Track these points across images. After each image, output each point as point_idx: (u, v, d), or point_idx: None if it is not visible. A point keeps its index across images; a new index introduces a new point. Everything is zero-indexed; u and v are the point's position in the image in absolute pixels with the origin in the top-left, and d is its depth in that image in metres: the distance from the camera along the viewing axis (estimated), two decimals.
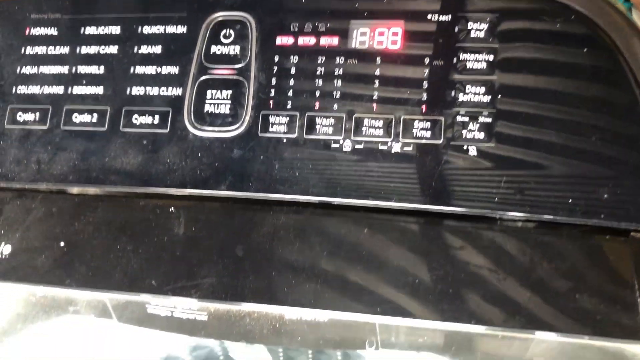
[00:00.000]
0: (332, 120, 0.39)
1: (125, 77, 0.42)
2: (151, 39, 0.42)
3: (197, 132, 0.40)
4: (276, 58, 0.40)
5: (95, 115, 0.42)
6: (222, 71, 0.41)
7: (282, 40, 0.41)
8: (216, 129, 0.40)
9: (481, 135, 0.37)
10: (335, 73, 0.39)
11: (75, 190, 0.42)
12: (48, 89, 0.43)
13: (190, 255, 0.39)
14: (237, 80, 0.41)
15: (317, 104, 0.39)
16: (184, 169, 0.40)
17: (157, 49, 0.42)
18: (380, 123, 0.38)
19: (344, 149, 0.38)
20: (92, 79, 0.43)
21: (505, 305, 0.34)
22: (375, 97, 0.39)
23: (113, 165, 0.41)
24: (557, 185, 0.35)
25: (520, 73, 0.37)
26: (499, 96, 0.37)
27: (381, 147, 0.38)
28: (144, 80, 0.42)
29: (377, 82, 0.39)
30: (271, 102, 0.40)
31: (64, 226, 0.41)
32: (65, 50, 0.44)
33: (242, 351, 0.59)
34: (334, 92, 0.39)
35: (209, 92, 0.41)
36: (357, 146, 0.38)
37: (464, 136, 0.37)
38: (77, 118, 0.42)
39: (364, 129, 0.38)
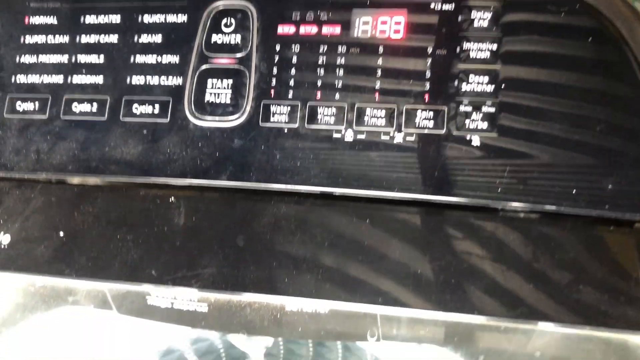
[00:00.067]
0: (333, 110, 0.38)
1: (125, 67, 0.42)
2: (151, 28, 0.42)
3: (197, 121, 0.40)
4: (277, 47, 0.40)
5: (95, 104, 0.42)
6: (223, 60, 0.41)
7: (284, 29, 0.40)
8: (217, 118, 0.40)
9: (484, 125, 0.37)
10: (337, 63, 0.39)
11: (75, 180, 0.42)
12: (48, 79, 0.43)
13: (191, 245, 0.38)
14: (238, 70, 0.40)
15: (318, 94, 0.39)
16: (184, 159, 0.40)
17: (158, 38, 0.42)
18: (383, 113, 0.38)
19: (345, 139, 0.38)
20: (92, 69, 0.43)
21: (508, 296, 0.34)
22: (377, 86, 0.38)
23: (113, 155, 0.41)
24: (561, 176, 0.35)
25: (524, 63, 0.37)
26: (503, 86, 0.37)
27: (383, 137, 0.38)
28: (144, 69, 0.42)
29: (379, 71, 0.39)
30: (272, 91, 0.40)
31: (63, 216, 0.41)
32: (65, 39, 0.44)
33: (243, 344, 0.59)
34: (336, 82, 0.39)
35: (209, 81, 0.41)
36: (359, 136, 0.38)
37: (467, 126, 0.37)
38: (76, 107, 0.42)
39: (366, 118, 0.38)
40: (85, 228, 0.40)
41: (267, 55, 0.40)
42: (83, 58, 0.43)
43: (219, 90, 0.40)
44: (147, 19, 0.42)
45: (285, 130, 0.39)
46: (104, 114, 0.41)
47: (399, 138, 0.37)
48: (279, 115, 0.39)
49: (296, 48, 0.40)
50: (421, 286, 0.35)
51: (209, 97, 0.40)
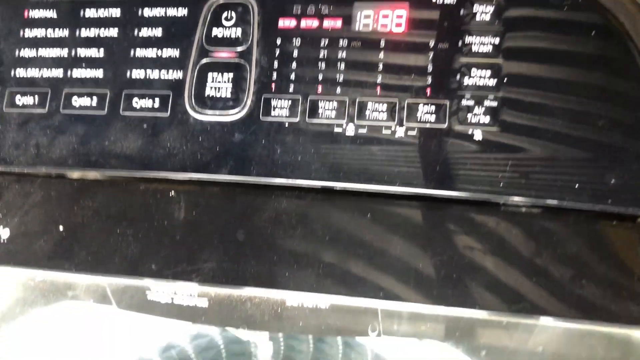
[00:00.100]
0: (335, 104, 0.38)
1: (125, 60, 0.42)
2: (151, 22, 0.42)
3: (197, 115, 0.40)
4: (278, 41, 0.40)
5: (95, 98, 0.42)
6: (224, 54, 0.40)
7: (285, 23, 0.40)
8: (217, 112, 0.40)
9: (486, 119, 0.36)
10: (339, 56, 0.39)
11: (74, 174, 0.42)
12: (47, 72, 0.43)
13: (191, 239, 0.38)
14: (238, 64, 0.40)
15: (319, 88, 0.39)
16: (184, 153, 0.39)
17: (158, 32, 0.42)
18: (384, 107, 0.37)
19: (346, 134, 0.38)
20: (91, 62, 0.42)
21: (510, 291, 0.34)
22: (379, 80, 0.38)
23: (113, 149, 0.40)
24: (564, 170, 0.35)
25: (526, 57, 0.37)
26: (505, 80, 0.37)
27: (385, 131, 0.37)
28: (144, 63, 0.41)
29: (380, 65, 0.38)
30: (273, 85, 0.39)
31: (63, 210, 0.40)
32: (64, 33, 0.43)
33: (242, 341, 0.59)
34: (337, 76, 0.39)
35: (210, 75, 0.40)
36: (360, 130, 0.38)
37: (469, 120, 0.36)
38: (76, 101, 0.42)
39: (367, 113, 0.38)
40: (85, 222, 0.40)
41: (268, 49, 0.40)
42: (83, 52, 0.43)
43: (219, 84, 0.40)
44: (147, 12, 0.42)
45: (286, 125, 0.39)
46: (104, 108, 0.41)
47: (400, 132, 0.37)
48: (280, 109, 0.39)
49: (297, 42, 0.40)
50: (422, 281, 0.35)
51: (209, 91, 0.40)
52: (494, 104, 0.36)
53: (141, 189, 0.40)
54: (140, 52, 0.42)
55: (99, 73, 0.42)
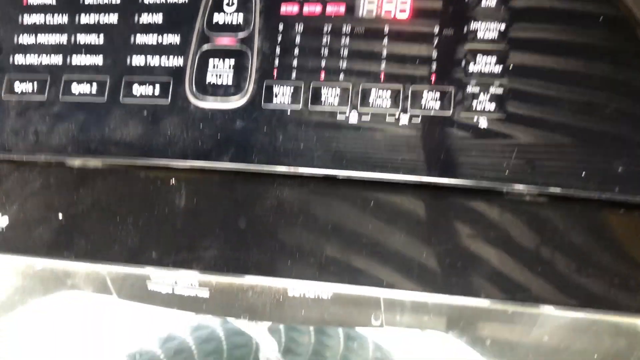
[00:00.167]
0: (338, 91, 0.38)
1: (125, 47, 0.41)
2: (152, 8, 0.41)
3: (198, 102, 0.39)
4: (280, 27, 0.39)
5: (94, 85, 0.41)
6: (225, 41, 0.40)
7: (287, 8, 0.39)
8: (218, 99, 0.39)
9: (492, 106, 0.36)
10: (342, 43, 0.38)
11: (74, 161, 0.42)
12: (46, 59, 0.42)
13: (192, 227, 0.38)
14: (239, 50, 0.39)
15: (322, 75, 0.38)
16: (185, 141, 0.39)
17: (158, 18, 0.41)
18: (388, 94, 0.37)
19: (350, 121, 0.37)
20: (91, 49, 0.42)
21: (515, 279, 0.34)
22: (382, 67, 0.37)
23: (113, 136, 0.40)
24: (570, 158, 0.34)
25: (533, 43, 0.36)
26: (511, 67, 0.36)
27: (388, 118, 0.37)
28: (145, 49, 0.41)
29: (384, 51, 0.38)
30: (275, 72, 0.39)
31: (62, 198, 0.40)
32: (64, 19, 0.43)
33: (244, 333, 0.59)
34: (340, 63, 0.38)
35: (211, 62, 0.40)
36: (363, 118, 0.37)
37: (474, 107, 0.36)
38: (76, 88, 0.41)
39: (371, 99, 0.37)
40: (85, 210, 0.40)
41: (270, 35, 0.39)
42: (82, 38, 0.42)
43: (220, 71, 0.39)
44: None
45: (288, 112, 0.38)
46: (104, 95, 0.41)
47: (404, 119, 0.37)
48: (282, 96, 0.38)
49: (299, 28, 0.39)
50: (425, 269, 0.35)
51: (210, 78, 0.40)
52: (500, 91, 0.36)
53: (141, 177, 0.40)
54: (140, 39, 0.41)
55: (98, 60, 0.41)
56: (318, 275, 0.36)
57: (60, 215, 0.40)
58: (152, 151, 0.39)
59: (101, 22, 0.42)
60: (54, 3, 0.43)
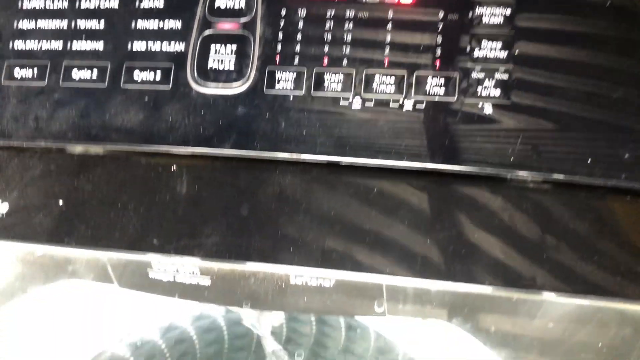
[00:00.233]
0: (341, 76, 0.37)
1: (126, 32, 0.41)
2: None
3: (200, 88, 0.39)
4: (283, 11, 0.39)
5: (95, 71, 0.41)
6: (227, 26, 0.39)
7: None
8: (220, 85, 0.39)
9: (497, 92, 0.35)
10: (345, 27, 0.38)
11: (74, 148, 0.41)
12: (46, 45, 0.42)
13: (193, 214, 0.37)
14: (242, 35, 0.39)
15: (325, 60, 0.38)
16: (186, 127, 0.38)
17: (160, 3, 0.41)
18: (392, 79, 0.36)
19: (353, 107, 0.37)
20: (91, 34, 0.41)
21: (520, 267, 0.33)
22: (386, 52, 0.37)
23: (113, 122, 0.40)
24: (576, 144, 0.34)
25: (539, 27, 0.36)
26: (516, 52, 0.36)
27: (392, 104, 0.36)
28: (146, 35, 0.40)
29: (388, 37, 0.37)
30: (277, 57, 0.38)
31: (62, 184, 0.40)
32: (64, 4, 0.42)
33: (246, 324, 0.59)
34: (344, 48, 0.38)
35: (212, 47, 0.39)
36: (367, 103, 0.37)
37: (479, 93, 0.35)
38: (76, 74, 0.41)
39: (374, 85, 0.37)
40: (85, 196, 0.39)
41: (273, 20, 0.39)
42: (83, 23, 0.42)
43: (222, 57, 0.39)
44: None
45: (291, 98, 0.38)
46: (105, 80, 0.40)
47: (408, 105, 0.36)
48: (285, 82, 0.38)
49: (302, 12, 0.38)
50: (429, 256, 0.34)
51: (212, 64, 0.39)
52: (505, 77, 0.35)
53: (142, 163, 0.40)
54: (141, 24, 0.41)
55: (99, 45, 0.41)
56: (320, 262, 0.35)
57: (61, 202, 0.40)
58: (154, 137, 0.39)
59: (102, 7, 0.42)
60: None
